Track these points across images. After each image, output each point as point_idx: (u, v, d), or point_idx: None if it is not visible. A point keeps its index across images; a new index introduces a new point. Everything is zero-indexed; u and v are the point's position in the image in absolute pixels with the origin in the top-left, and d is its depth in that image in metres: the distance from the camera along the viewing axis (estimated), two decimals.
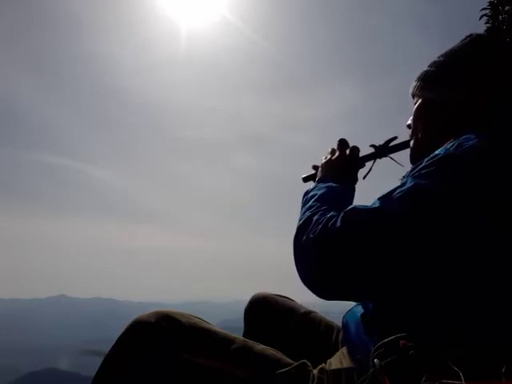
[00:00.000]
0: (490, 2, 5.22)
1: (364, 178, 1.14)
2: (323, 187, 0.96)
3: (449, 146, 0.75)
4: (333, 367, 0.84)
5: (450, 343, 0.63)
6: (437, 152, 0.75)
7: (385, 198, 0.72)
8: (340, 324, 0.96)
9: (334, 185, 0.97)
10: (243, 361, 0.84)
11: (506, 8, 5.15)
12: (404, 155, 1.08)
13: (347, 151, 1.10)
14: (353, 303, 0.88)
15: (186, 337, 0.85)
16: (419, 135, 0.98)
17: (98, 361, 0.87)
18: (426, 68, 0.96)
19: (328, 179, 1.02)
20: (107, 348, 0.88)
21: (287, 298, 1.30)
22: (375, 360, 0.64)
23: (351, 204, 0.84)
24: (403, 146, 1.10)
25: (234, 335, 0.91)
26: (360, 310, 0.83)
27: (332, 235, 0.71)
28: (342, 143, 1.12)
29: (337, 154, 1.10)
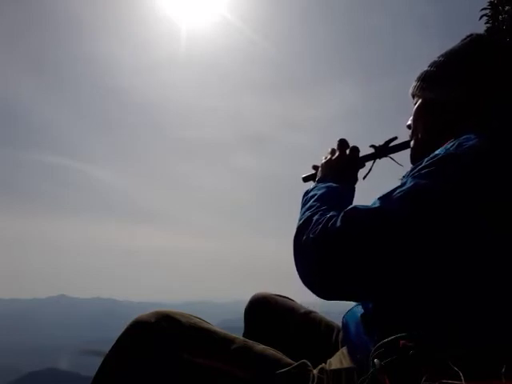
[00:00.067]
0: (490, 2, 5.22)
1: (364, 178, 1.14)
2: (323, 187, 0.96)
3: (449, 146, 0.75)
4: (333, 367, 0.84)
5: (449, 343, 0.63)
6: (437, 152, 0.75)
7: (385, 198, 0.72)
8: (340, 324, 0.96)
9: (334, 185, 0.97)
10: (243, 361, 0.84)
11: (506, 8, 5.15)
12: (404, 155, 1.08)
13: (347, 151, 1.10)
14: (353, 303, 0.88)
15: (186, 337, 0.85)
16: (419, 135, 0.98)
17: (98, 361, 0.87)
18: (425, 68, 0.96)
19: (328, 179, 1.02)
20: (107, 348, 0.88)
21: (287, 298, 1.30)
22: (375, 360, 0.64)
23: (351, 204, 0.84)
24: (403, 146, 1.10)
25: (233, 335, 0.91)
26: (360, 309, 0.83)
27: (332, 235, 0.71)
28: (342, 143, 1.12)
29: (337, 154, 1.10)
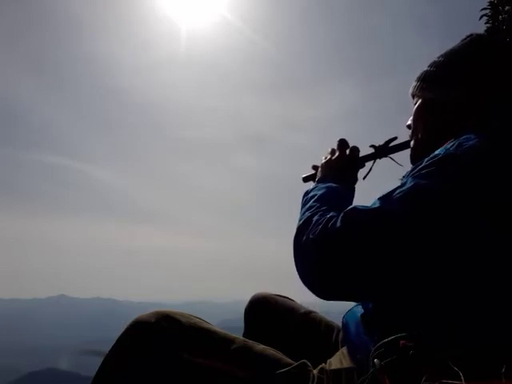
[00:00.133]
0: (490, 2, 5.22)
1: (364, 178, 1.14)
2: (323, 187, 0.96)
3: (449, 146, 0.75)
4: (333, 367, 0.84)
5: (450, 343, 0.63)
6: (437, 152, 0.75)
7: (385, 198, 0.72)
8: (340, 324, 0.96)
9: (334, 185, 0.97)
10: (243, 361, 0.84)
11: (506, 8, 5.15)
12: (404, 155, 1.08)
13: (347, 151, 1.10)
14: (353, 303, 0.88)
15: (186, 337, 0.85)
16: (419, 135, 0.98)
17: (98, 361, 0.87)
18: (425, 68, 0.96)
19: (328, 179, 1.01)
20: (107, 348, 0.88)
21: (287, 298, 1.30)
22: (375, 360, 0.64)
23: (351, 204, 0.84)
24: (403, 146, 1.10)
25: (234, 335, 0.91)
26: (360, 309, 0.83)
27: (332, 235, 0.71)
28: (342, 143, 1.12)
29: (337, 154, 1.10)
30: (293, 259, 0.80)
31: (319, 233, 0.74)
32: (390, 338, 0.65)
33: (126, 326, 0.87)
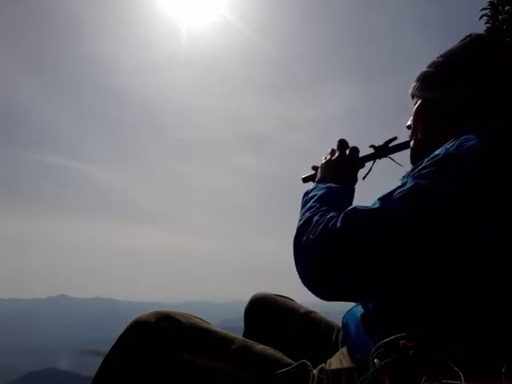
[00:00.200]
0: (490, 2, 5.22)
1: (364, 178, 1.14)
2: (323, 188, 0.96)
3: (449, 146, 0.75)
4: (333, 367, 0.84)
5: (450, 343, 0.63)
6: (437, 152, 0.75)
7: (385, 199, 0.72)
8: (340, 324, 0.96)
9: (334, 185, 0.97)
10: (243, 361, 0.84)
11: (506, 8, 5.15)
12: (404, 155, 1.08)
13: (347, 151, 1.10)
14: (352, 303, 0.88)
15: (186, 337, 0.85)
16: (419, 135, 0.98)
17: (98, 361, 0.87)
18: (425, 69, 0.96)
19: (328, 180, 1.01)
20: (107, 348, 0.88)
21: (287, 297, 1.30)
22: (375, 360, 0.64)
23: (351, 204, 0.84)
24: (403, 146, 1.10)
25: (234, 335, 0.91)
26: (360, 310, 0.83)
27: (332, 236, 0.71)
28: (342, 143, 1.12)
29: (336, 154, 1.10)
30: (293, 259, 0.80)
31: (319, 233, 0.74)
32: (390, 338, 0.65)
33: (125, 326, 0.87)
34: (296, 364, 0.83)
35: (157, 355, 0.82)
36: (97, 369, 0.86)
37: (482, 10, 5.25)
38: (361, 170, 1.13)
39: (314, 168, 1.19)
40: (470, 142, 0.72)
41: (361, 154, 1.12)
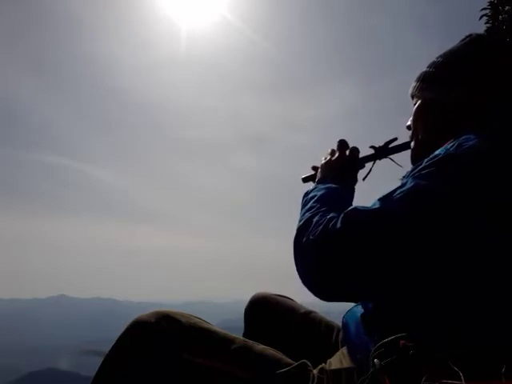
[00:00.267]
0: (490, 2, 5.22)
1: (364, 179, 1.14)
2: (323, 188, 0.96)
3: (449, 147, 0.75)
4: (333, 367, 0.84)
5: (450, 343, 0.63)
6: (437, 152, 0.75)
7: (385, 199, 0.72)
8: (340, 324, 0.96)
9: (334, 186, 0.97)
10: (243, 361, 0.84)
11: (506, 8, 5.15)
12: (404, 155, 1.08)
13: (347, 152, 1.10)
14: (352, 303, 0.88)
15: (186, 337, 0.85)
16: (419, 136, 0.98)
17: (98, 361, 0.87)
18: (425, 69, 0.96)
19: (328, 180, 1.01)
20: (107, 348, 0.88)
21: (287, 297, 1.30)
22: (375, 360, 0.64)
23: (351, 205, 0.84)
24: (403, 147, 1.10)
25: (234, 335, 0.91)
26: (360, 309, 0.83)
27: (332, 236, 0.71)
28: (342, 144, 1.12)
29: (336, 154, 1.10)
30: (293, 259, 0.80)
31: (319, 234, 0.74)
32: (390, 338, 0.65)
33: (126, 326, 0.87)
34: (296, 364, 0.83)
35: (157, 355, 0.82)
36: (97, 369, 0.86)
37: (482, 9, 5.25)
38: (361, 171, 1.13)
39: (314, 168, 1.19)
40: (470, 142, 0.72)
41: (361, 155, 1.12)
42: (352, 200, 1.00)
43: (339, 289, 0.73)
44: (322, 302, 0.78)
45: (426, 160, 0.75)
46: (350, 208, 0.74)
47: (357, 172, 1.11)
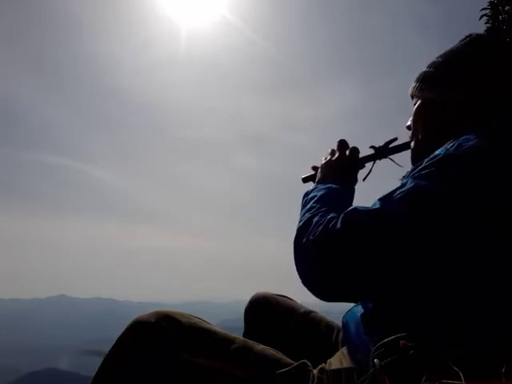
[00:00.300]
0: (490, 2, 5.22)
1: (364, 179, 1.14)
2: (323, 188, 0.96)
3: (449, 147, 0.75)
4: (333, 367, 0.84)
5: (450, 343, 0.63)
6: (437, 152, 0.75)
7: (385, 199, 0.72)
8: (340, 324, 0.96)
9: (334, 186, 0.97)
10: (243, 361, 0.84)
11: (506, 8, 5.15)
12: (404, 156, 1.08)
13: (347, 152, 1.10)
14: (352, 303, 0.88)
15: (186, 337, 0.85)
16: (419, 136, 0.98)
17: (98, 361, 0.87)
18: (424, 69, 0.96)
19: (328, 180, 1.01)
20: (107, 348, 0.88)
21: (287, 297, 1.30)
22: (375, 360, 0.64)
23: (351, 205, 0.84)
24: (403, 147, 1.10)
25: (234, 335, 0.91)
26: (360, 309, 0.83)
27: (332, 236, 0.71)
28: (342, 144, 1.12)
29: (336, 154, 1.10)
30: (293, 259, 0.80)
31: (319, 234, 0.74)
32: (390, 338, 0.65)
33: (126, 326, 0.87)
34: (296, 364, 0.83)
35: (157, 355, 0.82)
36: (97, 369, 0.86)
37: (482, 10, 5.25)
38: (361, 171, 1.13)
39: (314, 168, 1.19)
40: (470, 143, 0.72)
41: (361, 155, 1.12)
42: (352, 200, 1.00)
43: (339, 289, 0.73)
44: (322, 301, 0.78)
45: (425, 160, 0.75)
46: (350, 208, 0.74)
47: (357, 172, 1.11)
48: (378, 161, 1.15)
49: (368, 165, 1.15)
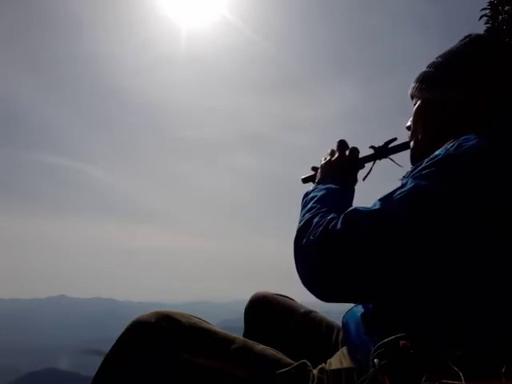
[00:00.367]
0: (490, 2, 5.22)
1: (364, 179, 1.14)
2: (323, 189, 0.96)
3: (449, 147, 0.75)
4: (333, 367, 0.84)
5: (449, 343, 0.63)
6: (437, 152, 0.75)
7: (385, 200, 0.72)
8: (340, 324, 0.96)
9: (334, 186, 0.97)
10: (243, 361, 0.84)
11: (506, 8, 5.15)
12: (404, 156, 1.08)
13: (347, 152, 1.10)
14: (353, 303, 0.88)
15: (186, 337, 0.85)
16: (419, 136, 0.98)
17: (98, 361, 0.87)
18: (424, 69, 0.96)
19: (327, 180, 1.01)
20: (107, 348, 0.88)
21: (287, 297, 1.30)
22: (375, 360, 0.64)
23: (351, 205, 0.84)
24: (403, 147, 1.10)
25: (234, 335, 0.91)
26: (360, 309, 0.83)
27: (333, 237, 0.71)
28: (342, 144, 1.12)
29: (336, 155, 1.10)
30: (293, 260, 0.80)
31: (320, 234, 0.74)
32: (389, 338, 0.65)
33: (126, 326, 0.87)
34: (296, 364, 0.83)
35: (157, 355, 0.82)
36: (97, 369, 0.86)
37: (482, 10, 5.25)
38: (361, 171, 1.13)
39: (314, 169, 1.19)
40: (470, 143, 0.72)
41: (361, 155, 1.12)
42: (352, 200, 1.00)
43: (340, 290, 0.73)
44: (323, 301, 0.78)
45: (425, 160, 0.75)
46: (350, 209, 0.74)
47: (357, 172, 1.11)
48: (377, 161, 1.15)
49: (368, 165, 1.15)
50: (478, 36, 0.93)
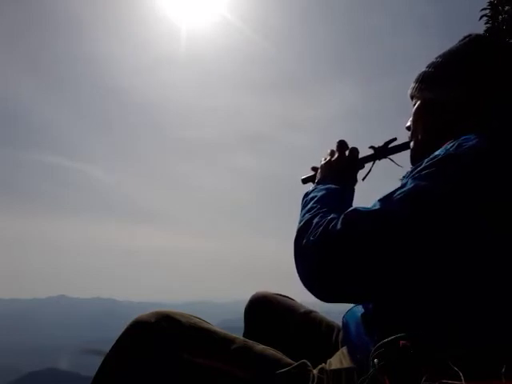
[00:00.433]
0: (490, 2, 5.22)
1: (363, 179, 1.14)
2: (323, 189, 0.96)
3: (449, 147, 0.75)
4: (333, 367, 0.84)
5: (449, 343, 0.63)
6: (437, 153, 0.75)
7: (385, 200, 0.72)
8: (340, 324, 0.96)
9: (334, 186, 0.97)
10: (243, 361, 0.84)
11: (506, 8, 5.15)
12: (404, 156, 1.08)
13: (346, 152, 1.10)
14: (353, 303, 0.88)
15: (186, 337, 0.85)
16: (419, 136, 0.98)
17: (98, 361, 0.87)
18: (424, 69, 0.96)
19: (327, 181, 1.01)
20: (107, 348, 0.88)
21: (287, 297, 1.30)
22: (375, 360, 0.64)
23: (351, 205, 0.84)
24: (402, 147, 1.10)
25: (234, 335, 0.91)
26: (360, 309, 0.83)
27: (333, 237, 0.71)
28: (342, 144, 1.12)
29: (336, 155, 1.10)
30: (293, 260, 0.80)
31: (320, 235, 0.74)
32: (389, 338, 0.65)
33: (126, 326, 0.87)
34: (296, 364, 0.83)
35: (157, 355, 0.82)
36: (97, 369, 0.86)
37: (482, 10, 5.25)
38: (360, 171, 1.13)
39: (314, 169, 1.19)
40: (470, 143, 0.72)
41: (360, 155, 1.12)
42: (352, 200, 1.00)
43: (340, 290, 0.73)
44: (323, 301, 0.78)
45: (425, 160, 0.75)
46: (350, 209, 0.74)
47: (356, 172, 1.11)
48: (377, 161, 1.15)
49: (368, 165, 1.15)
50: (477, 36, 0.93)
